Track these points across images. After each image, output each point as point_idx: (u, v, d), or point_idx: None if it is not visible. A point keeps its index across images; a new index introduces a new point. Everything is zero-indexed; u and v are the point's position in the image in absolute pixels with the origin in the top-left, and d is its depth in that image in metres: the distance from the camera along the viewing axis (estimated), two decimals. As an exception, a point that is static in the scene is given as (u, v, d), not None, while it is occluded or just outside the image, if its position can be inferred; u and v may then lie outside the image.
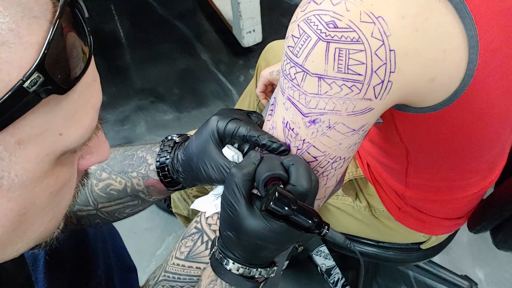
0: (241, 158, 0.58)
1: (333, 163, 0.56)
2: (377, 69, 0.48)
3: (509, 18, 0.52)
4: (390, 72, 0.48)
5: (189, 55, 2.06)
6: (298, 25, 0.50)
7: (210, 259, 0.57)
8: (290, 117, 0.53)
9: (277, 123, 0.56)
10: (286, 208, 0.46)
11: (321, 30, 0.47)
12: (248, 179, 0.51)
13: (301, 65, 0.49)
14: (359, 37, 0.47)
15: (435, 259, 1.35)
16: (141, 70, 2.04)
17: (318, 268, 1.19)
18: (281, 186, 0.49)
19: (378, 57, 0.47)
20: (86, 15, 0.36)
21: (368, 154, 0.87)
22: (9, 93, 0.29)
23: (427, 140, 0.66)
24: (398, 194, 0.86)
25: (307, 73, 0.49)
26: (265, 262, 0.55)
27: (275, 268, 0.56)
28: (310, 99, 0.51)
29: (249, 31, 1.91)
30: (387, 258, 1.02)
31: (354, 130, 0.53)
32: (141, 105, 1.93)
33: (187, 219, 1.31)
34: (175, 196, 1.28)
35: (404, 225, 0.91)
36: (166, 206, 1.57)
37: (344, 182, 0.94)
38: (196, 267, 0.63)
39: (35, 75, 0.30)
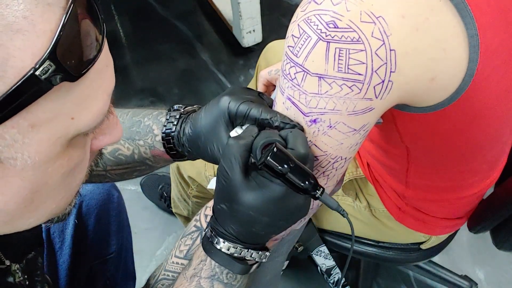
0: None
1: (334, 163, 0.55)
2: (378, 68, 0.48)
3: (510, 18, 0.52)
4: (391, 71, 0.48)
5: (189, 55, 2.06)
6: (298, 25, 0.50)
7: (202, 239, 0.56)
8: (291, 117, 0.53)
9: None
10: (285, 165, 0.46)
11: (321, 30, 0.47)
12: (245, 149, 0.51)
13: (301, 65, 0.49)
14: (359, 37, 0.47)
15: (435, 259, 1.35)
16: (141, 70, 2.04)
17: (318, 268, 1.19)
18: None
19: (379, 56, 0.47)
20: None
21: (368, 154, 0.87)
22: (22, 80, 0.30)
23: (427, 140, 0.65)
24: (398, 194, 0.86)
25: (307, 72, 0.49)
26: (257, 242, 0.54)
27: (267, 253, 0.55)
28: (310, 98, 0.51)
29: (249, 31, 1.91)
30: (387, 258, 1.02)
31: (355, 130, 0.53)
32: (141, 105, 1.93)
33: (187, 219, 1.31)
34: (175, 196, 1.27)
35: (404, 225, 0.91)
36: (166, 206, 1.57)
37: (344, 182, 0.94)
38: None
39: (47, 63, 0.31)
